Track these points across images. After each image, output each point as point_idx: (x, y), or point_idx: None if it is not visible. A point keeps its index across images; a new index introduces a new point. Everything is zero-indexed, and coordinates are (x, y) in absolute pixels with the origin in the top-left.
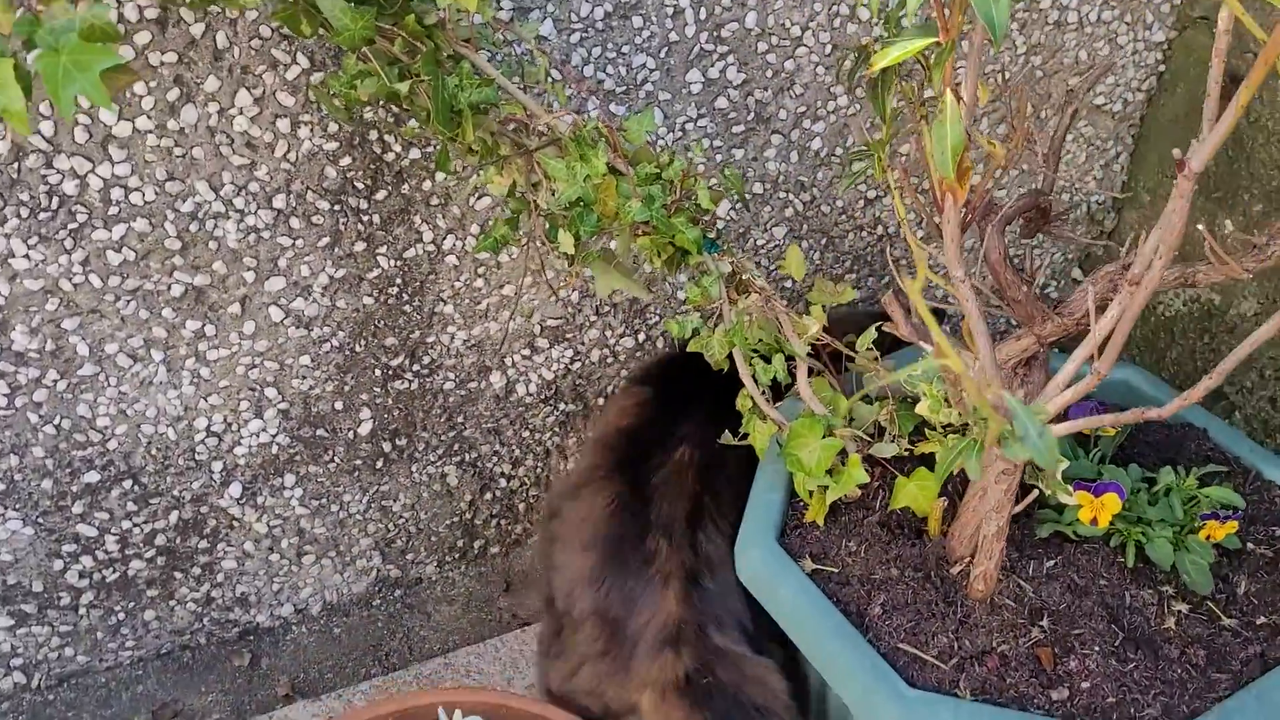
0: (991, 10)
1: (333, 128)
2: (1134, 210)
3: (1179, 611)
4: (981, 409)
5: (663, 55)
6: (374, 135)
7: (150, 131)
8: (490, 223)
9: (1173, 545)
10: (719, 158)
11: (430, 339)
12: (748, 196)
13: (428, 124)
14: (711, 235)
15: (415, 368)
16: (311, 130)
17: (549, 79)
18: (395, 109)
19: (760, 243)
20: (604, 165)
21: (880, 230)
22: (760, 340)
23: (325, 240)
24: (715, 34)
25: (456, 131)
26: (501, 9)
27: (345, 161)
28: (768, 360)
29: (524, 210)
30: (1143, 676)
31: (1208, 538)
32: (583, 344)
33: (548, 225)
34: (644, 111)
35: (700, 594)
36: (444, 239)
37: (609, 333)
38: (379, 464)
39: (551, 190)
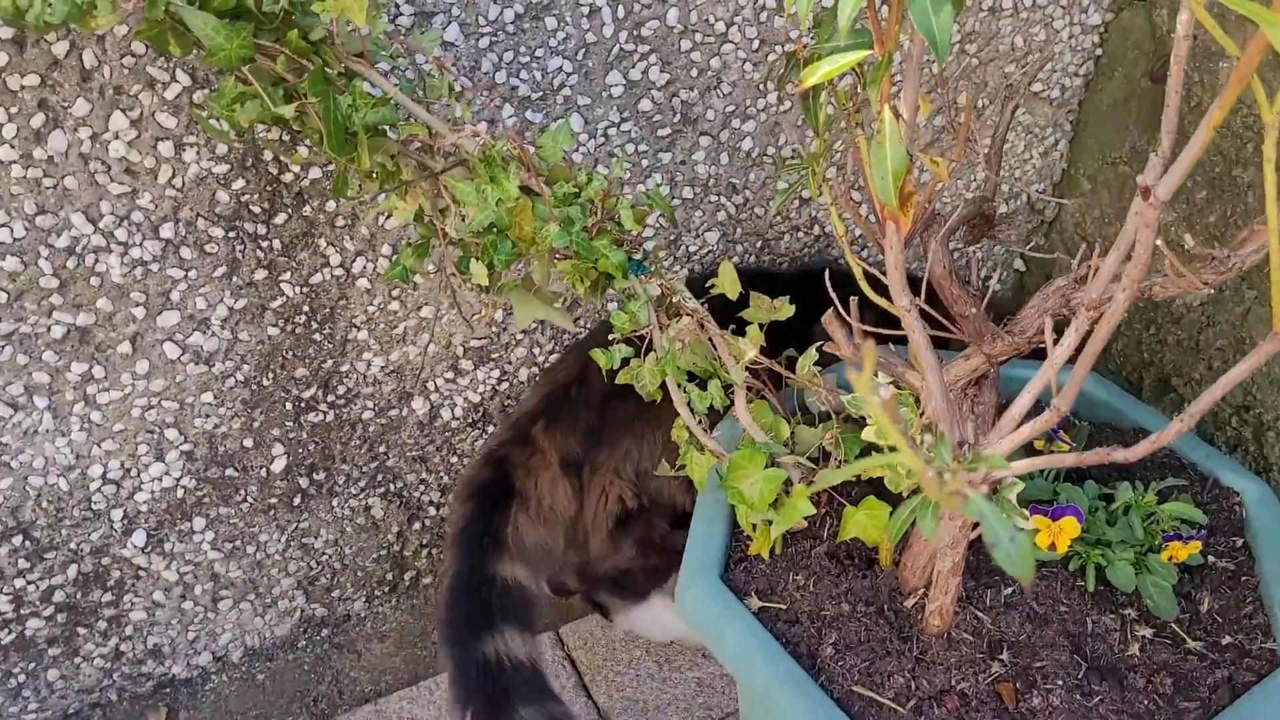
0: (932, 24)
1: (221, 149)
2: (1075, 198)
3: (1143, 636)
4: (945, 502)
5: (580, 57)
6: (269, 155)
7: (14, 162)
8: (402, 244)
9: (1134, 567)
10: (645, 163)
11: (345, 367)
12: (676, 203)
13: (322, 147)
14: (638, 256)
15: (330, 398)
16: (198, 153)
17: (454, 93)
18: (288, 130)
19: (693, 249)
20: (516, 187)
21: (817, 230)
22: (695, 364)
23: (221, 269)
24: (635, 33)
25: (353, 156)
26: (401, 14)
27: (238, 184)
28: (704, 386)
29: (433, 236)
30: (1109, 711)
31: (1170, 558)
32: (509, 364)
33: (460, 254)
34: (559, 125)
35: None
36: (353, 262)
37: (537, 350)
38: (296, 501)
39: (461, 215)
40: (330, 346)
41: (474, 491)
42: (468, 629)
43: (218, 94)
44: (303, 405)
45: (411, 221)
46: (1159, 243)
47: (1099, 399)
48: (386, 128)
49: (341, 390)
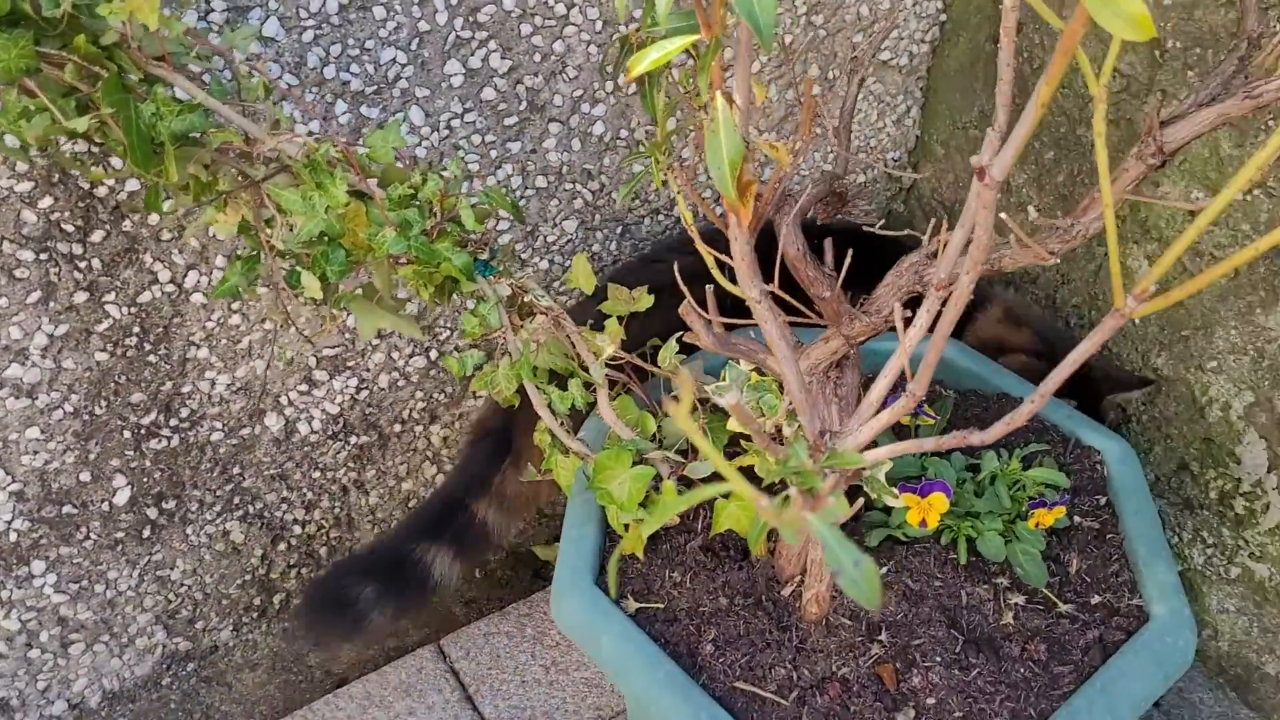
0: (754, 7)
1: (22, 165)
2: (930, 164)
3: (1016, 604)
4: (788, 524)
5: (414, 47)
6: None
7: None
8: (231, 257)
9: (1003, 537)
10: (494, 154)
11: (186, 388)
12: (530, 192)
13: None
14: (484, 256)
15: (173, 422)
16: None
17: (269, 92)
18: (93, 143)
19: (551, 239)
20: (344, 192)
21: (678, 212)
22: (555, 363)
23: (35, 295)
24: (471, 19)
25: (160, 168)
26: (213, 10)
27: (46, 202)
28: (565, 386)
29: (261, 250)
30: (986, 683)
31: (1037, 525)
32: (368, 370)
33: (293, 265)
34: (390, 122)
35: None
36: (184, 276)
37: (396, 354)
38: (146, 533)
39: (289, 225)
40: (168, 368)
41: (479, 437)
42: (427, 533)
43: (2, 109)
44: (143, 432)
45: (237, 234)
46: (1004, 216)
47: (962, 367)
48: (198, 135)
49: (185, 413)
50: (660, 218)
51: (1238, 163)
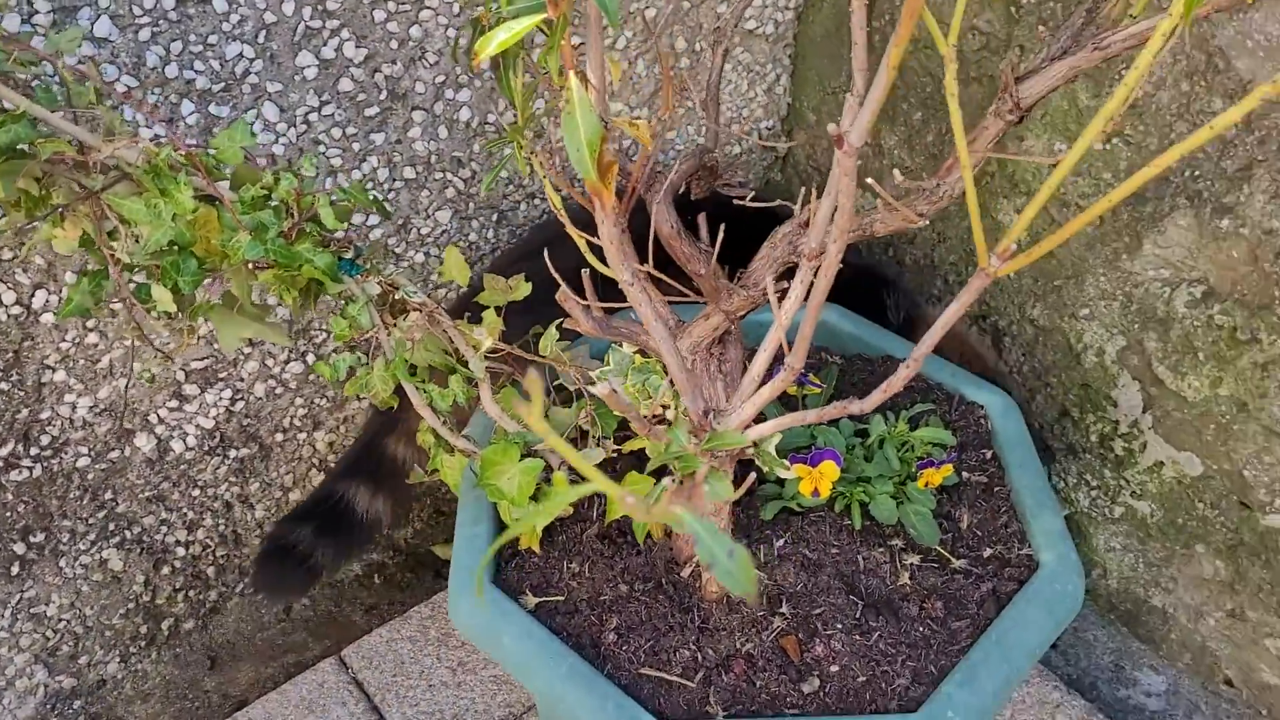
0: None
1: None
2: (803, 131)
3: (911, 565)
4: (659, 519)
5: (262, 40)
6: None
7: None
8: (78, 275)
9: (894, 499)
10: (357, 146)
11: (44, 415)
12: (399, 184)
13: None
14: (349, 255)
15: (33, 451)
16: None
17: (100, 97)
18: None
19: (424, 231)
20: (192, 197)
21: None
22: (434, 360)
23: None
24: (320, 7)
25: None
26: (37, 12)
27: None
28: (445, 383)
29: (107, 264)
30: (888, 645)
31: (927, 484)
32: (241, 380)
33: (143, 278)
34: (237, 121)
35: None
36: (31, 296)
37: (270, 361)
38: (14, 569)
39: (135, 236)
40: (22, 395)
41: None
42: (345, 473)
43: None
44: (1, 465)
45: (80, 248)
46: (870, 181)
47: (845, 331)
48: (26, 147)
49: (45, 440)
50: (536, 202)
51: (1095, 113)
